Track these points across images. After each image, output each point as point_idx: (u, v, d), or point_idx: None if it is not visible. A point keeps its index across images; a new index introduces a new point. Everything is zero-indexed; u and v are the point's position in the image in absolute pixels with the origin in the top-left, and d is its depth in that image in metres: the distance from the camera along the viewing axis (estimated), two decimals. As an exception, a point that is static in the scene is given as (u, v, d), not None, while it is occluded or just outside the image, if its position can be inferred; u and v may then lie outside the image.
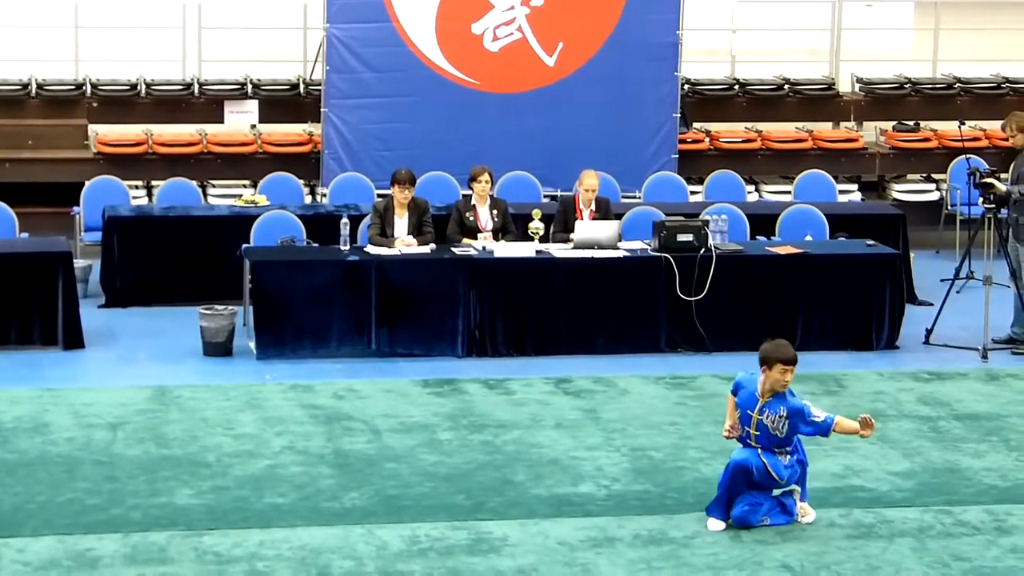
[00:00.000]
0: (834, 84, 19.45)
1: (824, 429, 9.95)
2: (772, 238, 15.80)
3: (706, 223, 14.48)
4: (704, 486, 10.66)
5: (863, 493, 10.63)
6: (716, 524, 9.98)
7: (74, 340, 14.00)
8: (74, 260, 14.52)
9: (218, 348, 13.86)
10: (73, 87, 18.21)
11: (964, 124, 18.26)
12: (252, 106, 18.29)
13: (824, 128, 19.26)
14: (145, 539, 9.65)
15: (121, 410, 12.17)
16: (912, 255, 16.29)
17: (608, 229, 14.53)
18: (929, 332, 14.62)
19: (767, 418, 9.90)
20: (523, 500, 10.45)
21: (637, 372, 13.45)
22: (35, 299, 13.97)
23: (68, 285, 14.01)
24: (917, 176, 19.24)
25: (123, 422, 11.89)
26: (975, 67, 19.59)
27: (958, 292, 15.39)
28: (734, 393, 10.15)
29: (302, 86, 18.37)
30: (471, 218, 14.88)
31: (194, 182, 17.15)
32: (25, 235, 15.45)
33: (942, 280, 15.82)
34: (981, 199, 14.70)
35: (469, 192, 15.14)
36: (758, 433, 9.93)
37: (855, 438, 11.62)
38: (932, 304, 15.25)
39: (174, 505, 10.25)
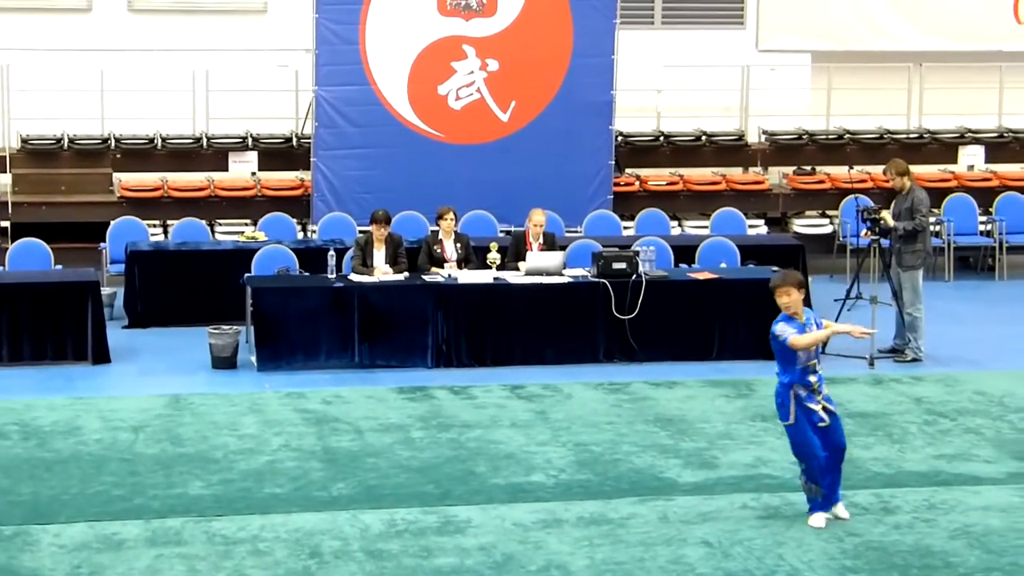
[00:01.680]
0: (744, 136, 19.51)
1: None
2: (692, 265, 15.80)
3: (637, 253, 14.49)
4: (636, 475, 10.67)
5: (770, 480, 10.64)
6: (820, 519, 9.64)
7: (102, 356, 13.93)
8: (101, 288, 14.47)
9: (224, 362, 13.80)
10: (100, 141, 18.14)
11: (852, 169, 18.42)
12: (252, 156, 18.25)
13: (735, 173, 19.31)
14: (163, 524, 9.61)
15: (142, 415, 12.11)
16: (810, 279, 16.31)
17: (554, 259, 14.55)
18: (824, 344, 14.65)
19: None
20: (484, 488, 10.43)
21: (579, 380, 13.44)
22: (68, 321, 13.90)
23: (96, 309, 13.94)
24: (814, 212, 19.31)
25: (144, 425, 11.83)
26: (862, 121, 19.68)
27: (849, 310, 15.41)
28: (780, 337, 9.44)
29: (295, 139, 18.35)
30: (438, 250, 14.87)
31: (203, 221, 17.07)
32: (59, 267, 15.38)
33: (835, 300, 15.84)
34: (867, 231, 14.76)
35: (437, 228, 15.13)
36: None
37: (763, 434, 11.70)
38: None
39: (188, 495, 10.21)
